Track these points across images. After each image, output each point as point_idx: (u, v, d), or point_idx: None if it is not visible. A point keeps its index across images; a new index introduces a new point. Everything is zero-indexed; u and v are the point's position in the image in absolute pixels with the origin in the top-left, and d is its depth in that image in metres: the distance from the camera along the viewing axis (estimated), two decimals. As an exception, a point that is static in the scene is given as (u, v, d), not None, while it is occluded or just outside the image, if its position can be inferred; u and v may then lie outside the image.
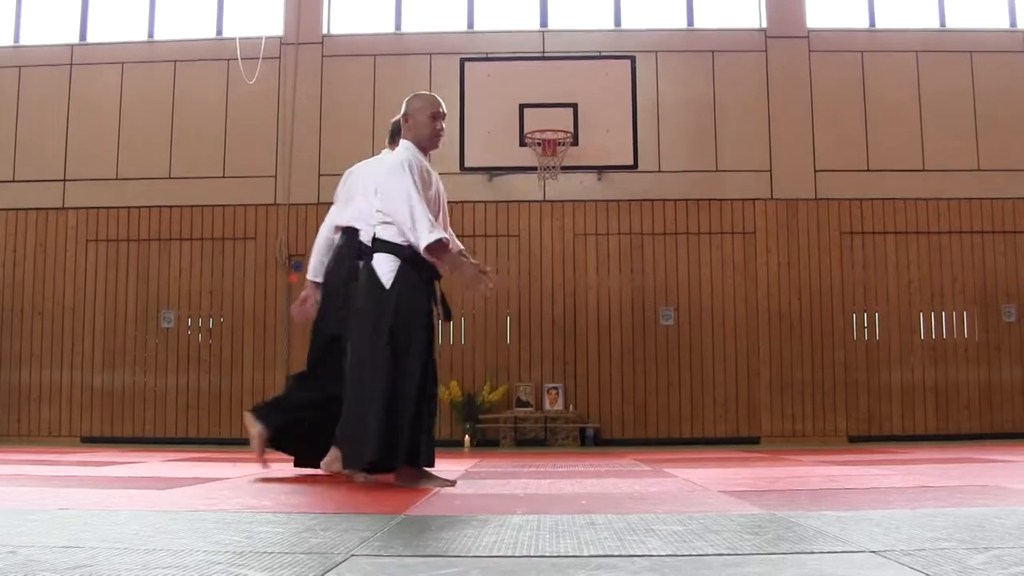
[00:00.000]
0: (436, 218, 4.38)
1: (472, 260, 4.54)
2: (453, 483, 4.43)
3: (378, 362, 4.28)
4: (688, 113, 11.39)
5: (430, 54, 11.54)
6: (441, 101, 4.67)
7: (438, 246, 4.27)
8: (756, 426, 10.91)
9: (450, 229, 4.71)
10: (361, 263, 4.57)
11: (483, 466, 6.29)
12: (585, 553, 2.18)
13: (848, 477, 4.81)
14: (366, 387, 4.29)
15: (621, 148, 10.36)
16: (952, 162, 11.31)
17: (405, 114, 4.60)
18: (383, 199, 4.41)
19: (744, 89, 11.43)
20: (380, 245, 4.43)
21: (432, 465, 4.42)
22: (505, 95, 10.36)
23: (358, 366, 4.36)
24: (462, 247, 4.78)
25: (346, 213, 5.32)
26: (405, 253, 4.35)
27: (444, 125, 4.62)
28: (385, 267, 4.38)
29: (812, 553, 2.15)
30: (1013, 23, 11.78)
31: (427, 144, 4.57)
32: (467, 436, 10.67)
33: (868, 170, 11.31)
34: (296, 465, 5.41)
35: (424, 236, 4.23)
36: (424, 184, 4.40)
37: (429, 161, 4.60)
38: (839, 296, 11.14)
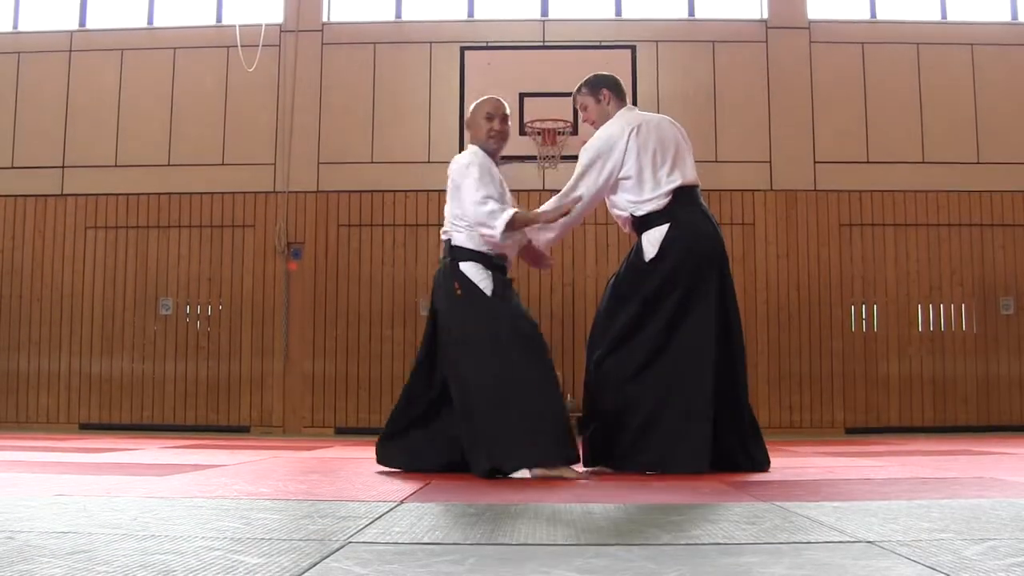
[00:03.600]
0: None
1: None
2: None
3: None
4: (688, 103, 11.36)
5: (430, 42, 11.51)
6: (496, 103, 4.63)
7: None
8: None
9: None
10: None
11: (481, 455, 6.28)
12: (582, 541, 2.18)
13: (845, 468, 4.82)
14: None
15: (621, 138, 10.33)
16: (952, 155, 11.29)
17: (467, 119, 4.67)
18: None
19: (744, 80, 11.41)
20: (462, 252, 4.43)
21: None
22: (505, 84, 10.32)
23: None
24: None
25: None
26: (490, 261, 4.42)
27: (499, 125, 4.56)
28: (479, 275, 4.40)
29: (809, 543, 2.15)
30: (1015, 16, 11.75)
31: (488, 147, 4.56)
32: (465, 425, 10.67)
33: (868, 162, 11.30)
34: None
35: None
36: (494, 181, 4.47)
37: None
38: (837, 288, 11.14)
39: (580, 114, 4.80)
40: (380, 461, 4.55)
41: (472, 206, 4.32)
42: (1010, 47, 11.49)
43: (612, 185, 4.56)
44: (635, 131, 4.56)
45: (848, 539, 2.18)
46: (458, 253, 4.40)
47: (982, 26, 11.63)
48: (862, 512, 2.72)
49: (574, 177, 4.58)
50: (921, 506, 2.85)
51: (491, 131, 4.54)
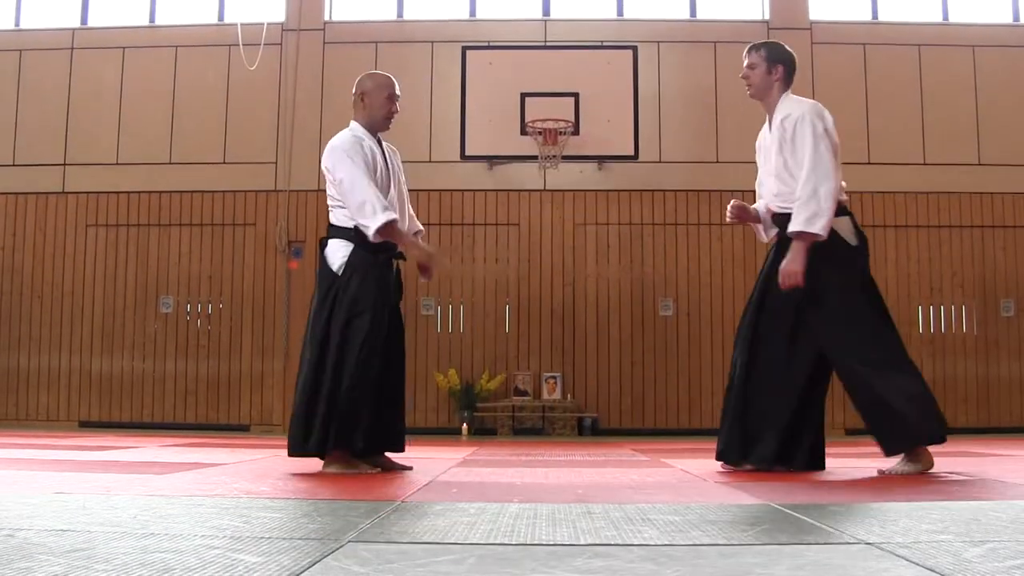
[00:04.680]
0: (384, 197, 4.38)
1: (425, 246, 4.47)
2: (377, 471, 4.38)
3: (315, 349, 4.35)
4: (689, 104, 11.37)
5: (432, 41, 11.51)
6: (396, 82, 4.63)
7: (386, 228, 4.27)
8: (754, 418, 10.89)
9: (409, 209, 4.69)
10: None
11: (480, 454, 6.30)
12: (581, 542, 2.18)
13: (845, 469, 4.82)
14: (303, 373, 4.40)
15: (622, 138, 10.35)
16: (953, 156, 11.29)
17: (360, 93, 4.57)
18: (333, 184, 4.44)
19: (746, 80, 11.39)
20: (332, 231, 4.46)
21: (360, 451, 4.34)
22: (506, 83, 10.34)
23: (306, 350, 4.41)
24: (421, 228, 4.78)
25: None
26: (357, 237, 4.37)
27: (398, 107, 4.59)
28: (337, 253, 4.40)
29: (809, 544, 2.15)
30: (1016, 18, 11.75)
31: (380, 126, 4.56)
32: (465, 424, 10.69)
33: (868, 163, 11.29)
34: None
35: (373, 218, 4.24)
36: (370, 166, 4.40)
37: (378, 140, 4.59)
38: (838, 289, 11.12)
39: (744, 69, 4.57)
40: None
41: (351, 198, 4.31)
42: (1011, 49, 11.49)
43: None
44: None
45: (848, 540, 2.18)
46: (331, 231, 4.46)
47: (983, 28, 11.63)
48: (862, 513, 2.72)
49: (815, 148, 4.39)
50: (921, 508, 2.85)
51: (391, 112, 4.56)
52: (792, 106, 4.46)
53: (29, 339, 11.41)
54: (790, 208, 4.36)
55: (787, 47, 4.63)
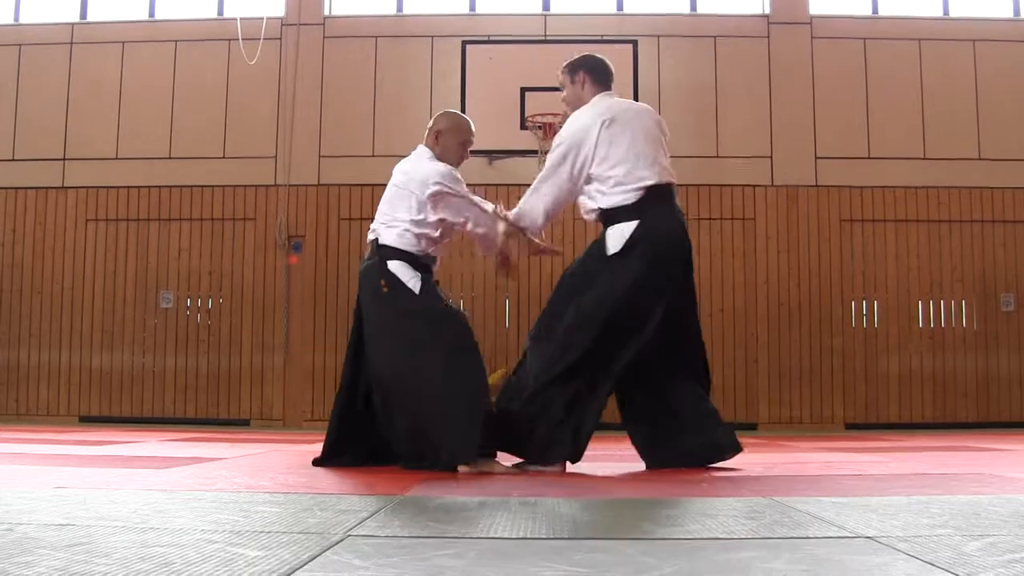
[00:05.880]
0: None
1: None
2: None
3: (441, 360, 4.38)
4: (689, 99, 11.35)
5: (432, 36, 11.50)
6: (472, 130, 4.71)
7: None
8: (753, 413, 10.91)
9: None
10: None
11: (480, 449, 6.29)
12: (581, 536, 2.19)
13: (845, 464, 4.83)
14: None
15: (622, 133, 10.33)
16: (953, 151, 11.28)
17: (436, 130, 4.61)
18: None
19: (746, 75, 11.40)
20: (392, 252, 4.49)
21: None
22: (506, 78, 10.33)
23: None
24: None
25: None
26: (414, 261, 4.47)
27: (468, 154, 4.71)
28: (407, 273, 4.44)
29: (808, 538, 2.15)
30: (1017, 12, 11.73)
31: (447, 162, 4.60)
32: (465, 419, 10.67)
33: (869, 158, 11.29)
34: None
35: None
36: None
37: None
38: (838, 284, 11.14)
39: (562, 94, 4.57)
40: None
41: (477, 208, 4.51)
42: (1012, 43, 11.47)
43: (586, 178, 4.33)
44: (607, 123, 4.30)
45: (847, 535, 2.19)
46: (385, 252, 4.45)
47: (984, 22, 11.61)
48: (861, 508, 2.72)
49: (545, 172, 4.39)
50: (920, 502, 2.86)
51: (461, 159, 4.67)
52: (575, 116, 4.44)
53: (29, 334, 11.41)
54: (595, 203, 4.38)
55: (589, 54, 4.58)
